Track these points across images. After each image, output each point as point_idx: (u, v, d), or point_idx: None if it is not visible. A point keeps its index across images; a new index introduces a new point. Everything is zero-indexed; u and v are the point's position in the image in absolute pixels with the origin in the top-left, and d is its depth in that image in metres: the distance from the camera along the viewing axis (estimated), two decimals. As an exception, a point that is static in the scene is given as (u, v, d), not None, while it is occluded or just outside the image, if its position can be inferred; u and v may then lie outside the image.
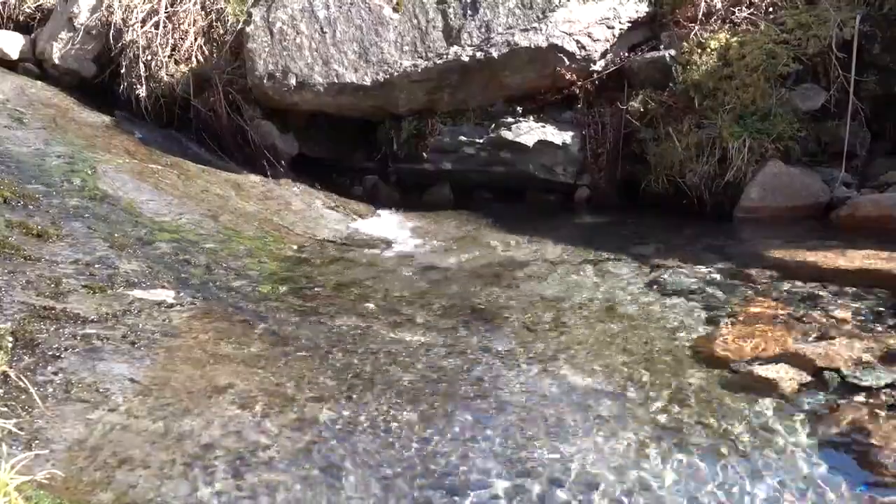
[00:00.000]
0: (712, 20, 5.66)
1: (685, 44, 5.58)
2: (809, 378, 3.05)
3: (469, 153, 5.91)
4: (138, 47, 6.28)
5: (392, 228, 5.49)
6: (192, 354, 3.11)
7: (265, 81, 5.88)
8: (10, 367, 2.61)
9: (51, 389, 2.67)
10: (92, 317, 3.23)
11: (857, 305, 3.68)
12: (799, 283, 3.99)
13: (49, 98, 6.25)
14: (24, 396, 2.53)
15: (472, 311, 3.85)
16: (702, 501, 2.39)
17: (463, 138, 5.91)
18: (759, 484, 2.46)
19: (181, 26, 6.34)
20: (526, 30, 5.67)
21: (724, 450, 2.63)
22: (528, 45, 5.65)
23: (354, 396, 2.92)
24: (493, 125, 5.88)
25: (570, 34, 5.66)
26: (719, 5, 5.69)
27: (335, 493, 2.37)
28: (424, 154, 5.99)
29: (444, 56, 5.75)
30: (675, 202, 5.43)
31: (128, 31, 6.36)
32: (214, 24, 6.40)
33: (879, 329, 3.42)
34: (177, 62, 6.31)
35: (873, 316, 3.57)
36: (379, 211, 5.88)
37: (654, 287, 4.12)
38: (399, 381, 3.06)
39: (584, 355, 3.33)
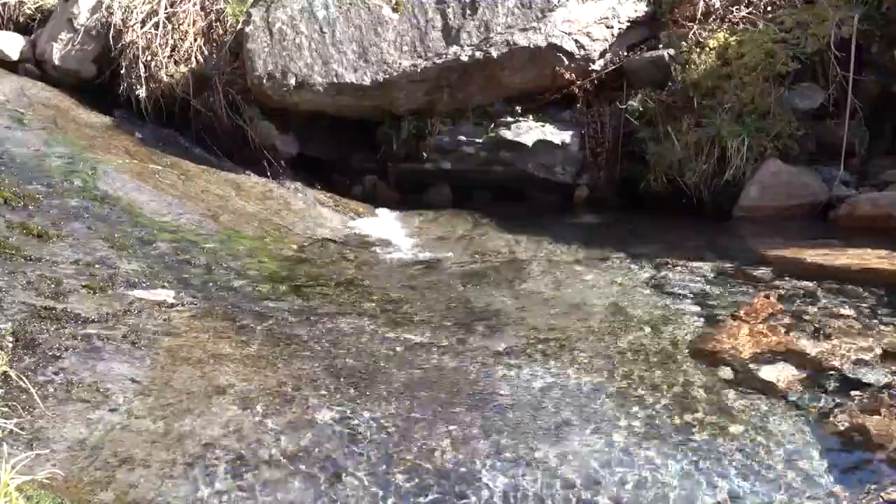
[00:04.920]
0: (711, 19, 5.68)
1: (684, 43, 5.59)
2: (809, 376, 3.05)
3: (468, 153, 5.91)
4: (138, 48, 6.29)
5: (392, 228, 5.50)
6: (192, 354, 3.12)
7: (265, 81, 5.89)
8: (11, 367, 2.62)
9: (51, 389, 2.68)
10: (92, 317, 3.24)
11: (856, 304, 3.69)
12: (798, 282, 4.00)
13: (49, 99, 6.26)
14: (24, 396, 2.54)
15: (472, 310, 3.86)
16: (702, 500, 2.39)
17: (462, 138, 5.92)
18: (760, 483, 2.46)
19: (181, 27, 6.35)
20: (525, 29, 5.68)
21: (724, 449, 2.63)
22: (527, 44, 5.66)
23: (354, 396, 2.92)
24: (492, 125, 5.89)
25: (569, 34, 5.67)
26: (718, 4, 5.70)
27: (335, 493, 2.38)
28: (424, 154, 6.00)
29: (444, 56, 5.76)
30: (675, 201, 5.44)
31: (127, 31, 6.36)
32: (214, 24, 6.40)
33: (879, 327, 3.43)
34: (176, 63, 6.31)
35: (872, 314, 3.58)
36: (378, 211, 5.88)
37: (654, 286, 4.13)
38: (399, 381, 3.06)
39: (583, 355, 3.33)
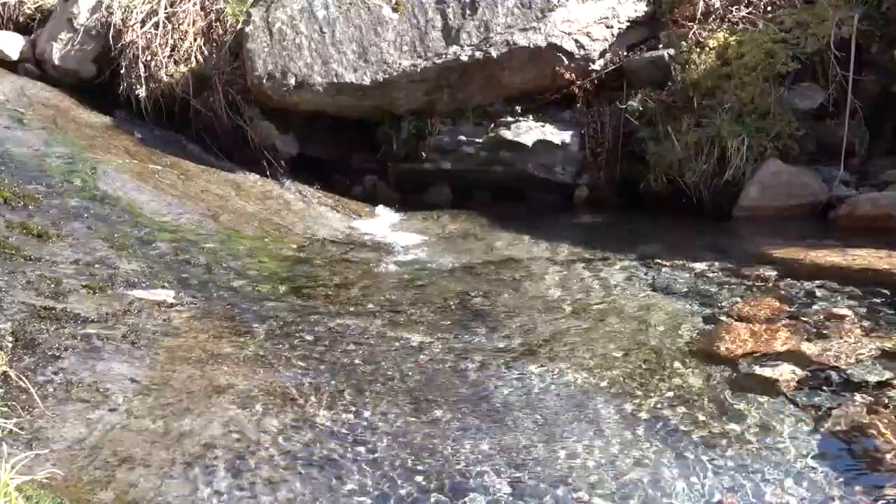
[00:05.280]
0: (711, 19, 5.68)
1: (684, 43, 5.59)
2: (809, 376, 3.05)
3: (468, 153, 5.91)
4: (138, 48, 6.29)
5: (391, 228, 5.50)
6: (192, 354, 3.12)
7: (264, 81, 5.89)
8: (11, 367, 2.62)
9: (51, 389, 2.68)
10: (92, 317, 3.23)
11: (855, 303, 3.69)
12: (798, 282, 4.00)
13: (49, 99, 6.26)
14: (24, 396, 2.54)
15: (472, 310, 3.86)
16: (702, 501, 2.39)
17: (462, 138, 5.92)
18: (760, 482, 2.46)
19: (180, 27, 6.35)
20: (525, 29, 5.68)
21: (724, 448, 2.63)
22: (526, 44, 5.66)
23: (354, 395, 2.92)
24: (492, 125, 5.89)
25: (568, 34, 5.67)
26: (718, 4, 5.70)
27: (335, 492, 2.37)
28: (424, 154, 6.00)
29: (443, 56, 5.76)
30: (675, 201, 5.44)
31: (127, 31, 6.36)
32: (214, 24, 6.40)
33: (879, 327, 3.43)
34: (176, 62, 6.31)
35: (872, 314, 3.57)
36: (378, 211, 5.88)
37: (654, 286, 4.13)
38: (398, 381, 3.06)
39: (583, 354, 3.33)
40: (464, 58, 5.72)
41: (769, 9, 5.64)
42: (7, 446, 2.08)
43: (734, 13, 5.66)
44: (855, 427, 2.71)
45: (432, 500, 2.36)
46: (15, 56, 6.85)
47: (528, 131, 5.81)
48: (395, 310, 3.84)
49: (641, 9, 5.83)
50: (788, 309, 3.68)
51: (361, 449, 2.59)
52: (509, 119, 5.88)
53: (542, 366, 3.23)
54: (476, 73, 5.77)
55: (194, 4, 6.39)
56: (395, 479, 2.44)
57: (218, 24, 6.39)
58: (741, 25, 5.58)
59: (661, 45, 5.73)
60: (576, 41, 5.68)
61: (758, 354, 3.25)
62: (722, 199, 5.30)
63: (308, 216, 5.52)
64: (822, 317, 3.57)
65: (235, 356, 3.16)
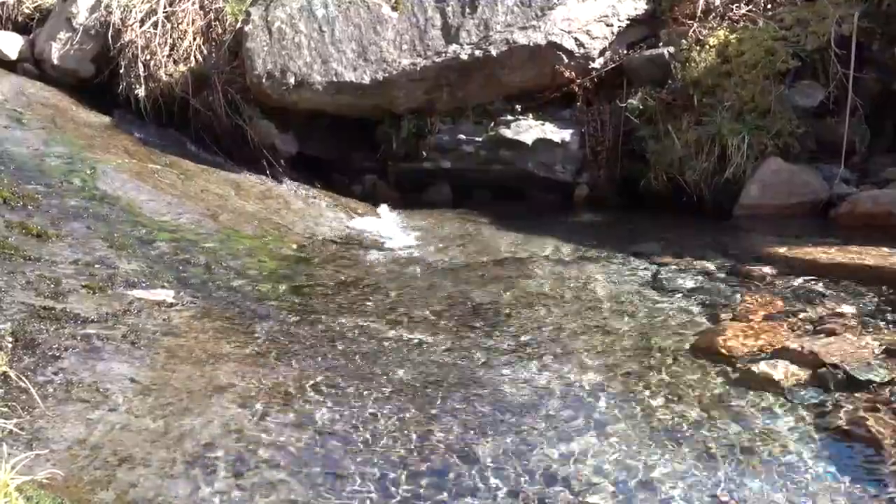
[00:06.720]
0: (711, 17, 5.67)
1: (684, 41, 5.58)
2: (810, 374, 3.05)
3: (468, 151, 5.91)
4: (137, 47, 6.28)
5: (391, 227, 5.49)
6: (192, 354, 3.11)
7: (264, 80, 5.88)
8: (11, 368, 2.61)
9: (51, 389, 2.68)
10: (92, 317, 3.23)
11: (856, 302, 3.68)
12: (799, 280, 4.00)
13: (48, 98, 6.25)
14: (24, 396, 2.54)
15: (472, 309, 3.86)
16: (702, 499, 2.39)
17: (462, 137, 5.91)
18: (760, 481, 2.46)
19: (180, 26, 6.34)
20: (525, 28, 5.67)
21: (724, 447, 2.63)
22: (526, 42, 5.65)
23: (354, 395, 2.92)
24: (492, 123, 5.88)
25: (568, 32, 5.67)
26: (718, 2, 5.70)
27: (335, 491, 2.37)
28: (424, 153, 5.99)
29: (443, 54, 5.75)
30: (675, 200, 5.43)
31: (126, 31, 6.35)
32: (213, 23, 6.40)
33: (879, 325, 3.42)
34: (175, 62, 6.30)
35: (873, 312, 3.57)
36: (378, 210, 5.87)
37: (654, 285, 4.12)
38: (399, 380, 3.06)
39: (584, 353, 3.33)
40: (463, 56, 5.71)
41: (769, 6, 5.63)
42: (7, 446, 2.07)
43: (734, 11, 5.66)
44: (855, 426, 2.71)
45: (433, 500, 2.36)
46: (14, 56, 6.84)
47: (527, 130, 5.80)
48: (395, 309, 3.84)
49: (641, 7, 5.82)
50: (788, 307, 3.68)
51: (361, 448, 2.59)
52: (509, 118, 5.87)
53: (542, 364, 3.22)
54: (476, 71, 5.76)
55: (193, 4, 6.38)
56: (396, 478, 2.44)
57: (217, 23, 6.38)
58: (741, 23, 5.57)
59: (661, 44, 5.72)
60: (576, 39, 5.67)
61: (758, 353, 3.24)
62: (722, 198, 5.29)
63: (308, 215, 5.52)
64: (822, 315, 3.56)
65: (235, 356, 3.15)
